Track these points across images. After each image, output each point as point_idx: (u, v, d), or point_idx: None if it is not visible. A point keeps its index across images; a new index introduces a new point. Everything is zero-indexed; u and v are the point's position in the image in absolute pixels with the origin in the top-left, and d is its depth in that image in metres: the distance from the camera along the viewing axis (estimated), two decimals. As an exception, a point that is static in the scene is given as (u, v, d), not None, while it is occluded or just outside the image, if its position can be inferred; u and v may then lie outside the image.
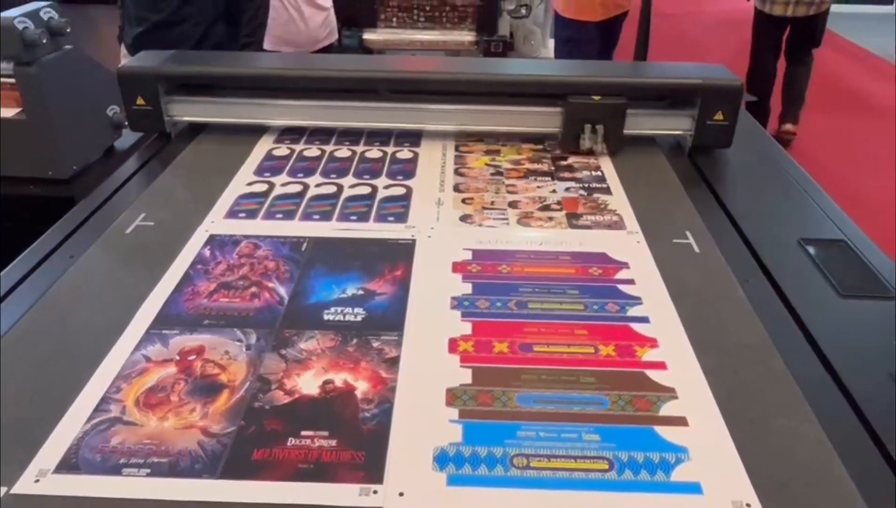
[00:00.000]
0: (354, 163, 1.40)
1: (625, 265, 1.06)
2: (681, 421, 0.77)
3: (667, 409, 0.79)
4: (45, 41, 1.57)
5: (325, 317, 0.94)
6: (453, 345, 0.88)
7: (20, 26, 1.53)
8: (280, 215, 1.20)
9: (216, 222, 1.18)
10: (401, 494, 0.68)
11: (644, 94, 1.47)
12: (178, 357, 0.86)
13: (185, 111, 1.51)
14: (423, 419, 0.77)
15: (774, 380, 0.83)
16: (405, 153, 1.45)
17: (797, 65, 4.05)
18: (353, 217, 1.20)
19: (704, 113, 1.39)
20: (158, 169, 1.37)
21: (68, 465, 0.71)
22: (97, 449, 0.73)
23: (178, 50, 1.79)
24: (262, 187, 1.30)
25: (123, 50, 2.29)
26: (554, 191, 1.30)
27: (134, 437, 0.74)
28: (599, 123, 1.40)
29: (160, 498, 0.68)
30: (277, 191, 1.29)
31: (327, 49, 2.86)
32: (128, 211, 1.20)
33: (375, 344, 0.88)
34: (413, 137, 1.51)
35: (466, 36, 3.70)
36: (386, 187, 1.31)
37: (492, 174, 1.37)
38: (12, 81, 1.58)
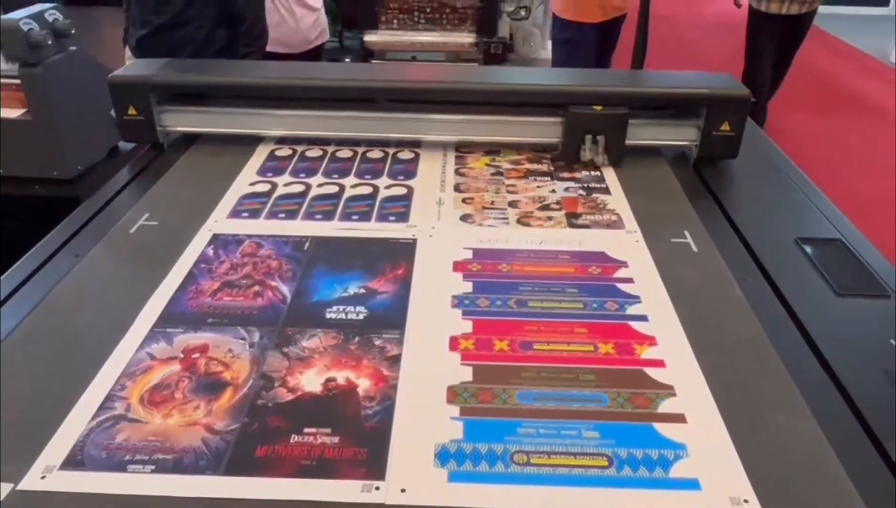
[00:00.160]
0: (356, 163, 1.41)
1: (623, 264, 1.07)
2: (679, 418, 0.78)
3: (665, 406, 0.80)
4: (49, 43, 1.59)
5: (328, 315, 0.95)
6: (454, 343, 0.89)
7: (25, 28, 1.54)
8: (283, 215, 1.21)
9: (219, 221, 1.19)
10: (402, 490, 0.69)
11: (649, 103, 1.45)
12: (182, 355, 0.87)
13: (179, 121, 1.47)
14: (424, 416, 0.78)
15: (772, 378, 0.84)
16: (406, 154, 1.46)
17: (779, 60, 4.13)
18: (355, 217, 1.21)
19: (710, 123, 1.37)
20: (161, 172, 1.37)
21: (74, 462, 0.72)
22: (102, 446, 0.73)
23: (174, 57, 1.76)
24: (265, 187, 1.31)
25: (128, 52, 2.30)
26: (553, 191, 1.31)
27: (139, 434, 0.75)
28: (601, 134, 1.37)
29: (165, 495, 0.68)
30: (280, 191, 1.29)
31: (319, 49, 2.87)
32: (132, 211, 1.20)
33: (377, 342, 0.89)
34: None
35: (466, 37, 3.71)
36: (387, 187, 1.31)
37: (492, 174, 1.38)
38: (17, 81, 1.59)
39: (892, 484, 0.71)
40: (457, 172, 1.39)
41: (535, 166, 1.41)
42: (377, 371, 0.84)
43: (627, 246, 1.12)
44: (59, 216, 1.20)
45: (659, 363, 0.86)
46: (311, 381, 0.83)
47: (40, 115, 1.61)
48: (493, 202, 1.26)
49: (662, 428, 0.76)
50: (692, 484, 0.70)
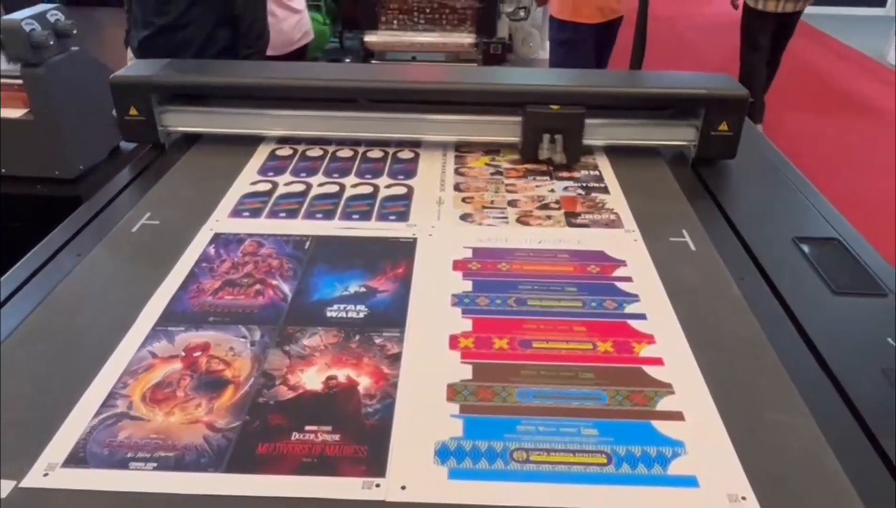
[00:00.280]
0: (356, 163, 1.41)
1: (622, 263, 1.07)
2: (677, 416, 0.78)
3: (664, 404, 0.80)
4: (51, 43, 1.59)
5: (328, 314, 0.95)
6: (454, 341, 0.90)
7: (27, 28, 1.55)
8: (283, 214, 1.22)
9: (221, 220, 1.19)
10: (403, 487, 0.69)
11: (648, 104, 1.45)
12: (183, 354, 0.88)
13: (180, 121, 1.47)
14: (424, 414, 0.78)
15: (769, 375, 0.85)
16: (406, 153, 1.46)
17: (774, 56, 4.23)
18: (356, 216, 1.21)
19: (709, 124, 1.38)
20: (162, 172, 1.38)
21: (76, 459, 0.72)
22: (105, 444, 0.74)
23: (176, 58, 1.75)
24: (266, 187, 1.31)
25: (130, 53, 2.30)
26: (552, 190, 1.32)
27: (141, 432, 0.75)
28: (558, 133, 1.37)
29: (166, 492, 0.69)
30: (281, 190, 1.30)
31: (303, 50, 2.87)
32: (133, 210, 1.21)
33: (377, 341, 0.90)
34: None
35: (466, 38, 3.71)
36: (387, 187, 1.32)
37: (491, 174, 1.38)
38: (20, 82, 1.60)
39: (888, 481, 0.71)
40: (456, 171, 1.39)
41: (534, 166, 1.41)
42: (377, 369, 0.85)
43: (626, 245, 1.13)
44: (60, 216, 1.20)
45: (657, 362, 0.87)
46: (311, 379, 0.83)
47: (42, 115, 1.61)
48: (492, 202, 1.27)
49: (661, 426, 0.77)
50: (690, 482, 0.70)
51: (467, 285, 1.01)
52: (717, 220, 1.22)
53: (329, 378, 0.83)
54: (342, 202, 1.26)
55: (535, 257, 1.09)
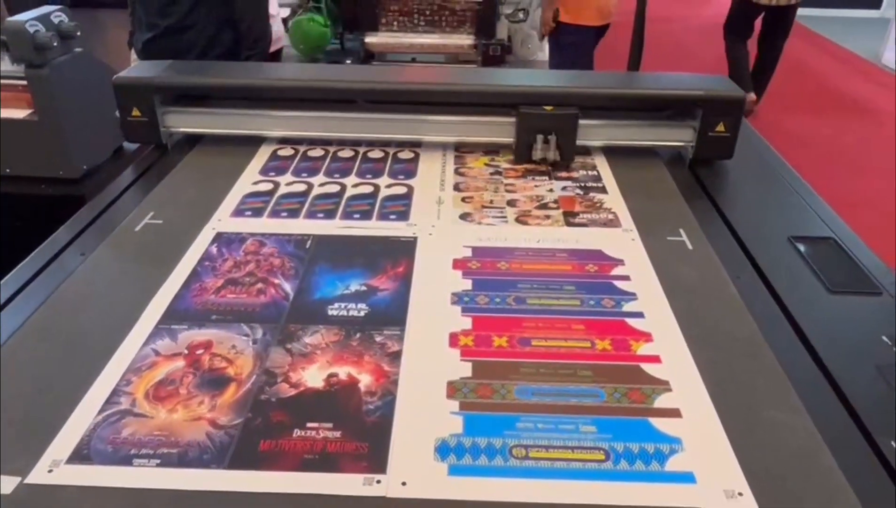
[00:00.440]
0: (357, 163, 1.42)
1: (620, 262, 1.08)
2: (674, 413, 0.79)
3: (661, 401, 0.81)
4: (55, 44, 1.60)
5: (329, 312, 0.96)
6: (454, 339, 0.90)
7: (31, 30, 1.56)
8: (285, 214, 1.22)
9: (223, 220, 1.20)
10: (403, 483, 0.70)
11: (646, 105, 1.46)
12: (186, 351, 0.88)
13: (182, 122, 1.48)
14: (424, 411, 0.79)
15: (765, 373, 0.85)
16: (406, 153, 1.47)
17: (770, 52, 4.24)
18: (356, 215, 1.22)
19: (706, 124, 1.38)
20: (165, 172, 1.39)
21: (80, 456, 0.73)
22: (108, 440, 0.75)
23: (178, 60, 1.75)
24: (268, 187, 1.32)
25: (133, 55, 2.31)
26: (551, 190, 1.33)
27: (144, 429, 0.76)
28: (551, 134, 1.38)
29: (170, 488, 0.69)
30: (282, 190, 1.31)
31: (277, 55, 2.87)
32: (136, 210, 1.22)
33: (378, 339, 0.90)
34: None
35: (465, 39, 3.72)
36: (388, 187, 1.33)
37: (491, 174, 1.39)
38: (24, 82, 1.61)
39: (883, 478, 0.72)
40: (456, 171, 1.40)
41: (532, 166, 1.42)
42: (378, 367, 0.86)
43: (624, 244, 1.14)
44: (64, 215, 1.21)
45: (654, 359, 0.88)
46: (313, 377, 0.84)
47: (46, 115, 1.62)
48: (491, 201, 1.28)
49: (658, 423, 0.78)
50: (687, 478, 0.71)
51: (467, 284, 1.02)
52: (714, 219, 1.23)
53: (330, 376, 0.84)
54: (343, 202, 1.27)
55: (534, 256, 1.10)
